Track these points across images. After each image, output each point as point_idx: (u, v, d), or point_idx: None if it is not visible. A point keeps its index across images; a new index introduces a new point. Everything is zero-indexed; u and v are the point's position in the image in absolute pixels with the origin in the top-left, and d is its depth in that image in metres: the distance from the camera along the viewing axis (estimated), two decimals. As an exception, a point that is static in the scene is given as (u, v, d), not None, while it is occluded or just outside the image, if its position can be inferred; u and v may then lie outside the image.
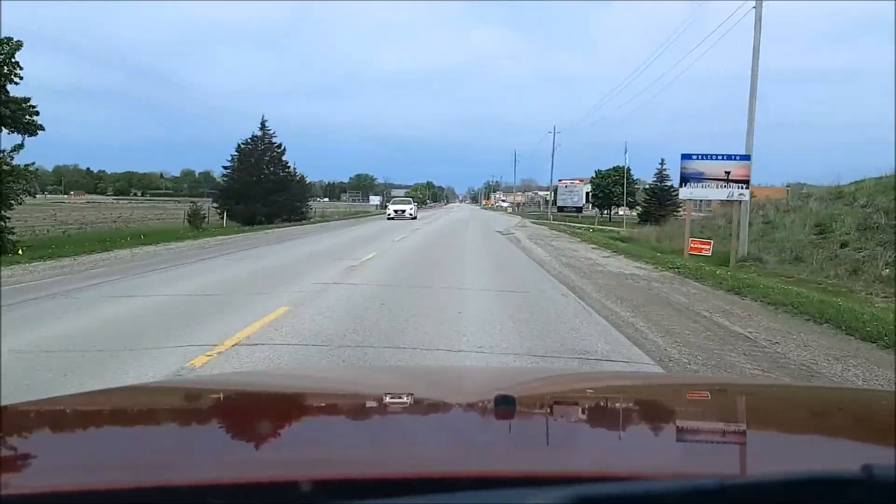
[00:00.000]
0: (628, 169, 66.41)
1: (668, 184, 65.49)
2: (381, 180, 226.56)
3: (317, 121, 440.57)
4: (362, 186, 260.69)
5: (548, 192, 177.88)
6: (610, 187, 68.14)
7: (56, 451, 1.24)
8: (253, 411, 1.66)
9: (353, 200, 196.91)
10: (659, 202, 63.59)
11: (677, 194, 68.37)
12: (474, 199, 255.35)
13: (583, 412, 1.68)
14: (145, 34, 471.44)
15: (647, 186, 66.13)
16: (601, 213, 71.63)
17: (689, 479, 0.81)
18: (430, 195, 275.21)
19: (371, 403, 1.77)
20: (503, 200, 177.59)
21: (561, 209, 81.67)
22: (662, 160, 65.40)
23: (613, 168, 69.11)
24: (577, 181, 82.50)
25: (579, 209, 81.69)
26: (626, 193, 65.65)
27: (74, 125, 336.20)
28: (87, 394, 2.55)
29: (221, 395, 1.84)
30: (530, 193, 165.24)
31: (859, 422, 1.60)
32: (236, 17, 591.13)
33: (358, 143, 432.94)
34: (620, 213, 68.99)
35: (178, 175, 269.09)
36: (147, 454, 1.19)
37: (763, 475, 0.85)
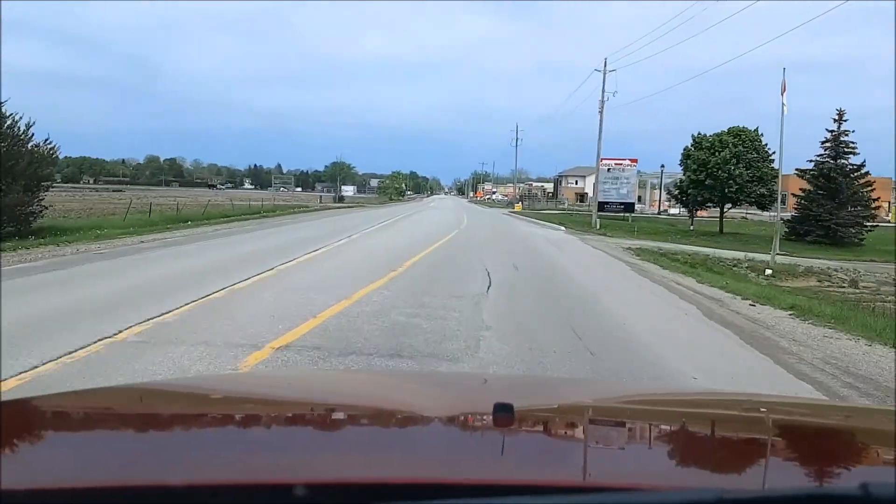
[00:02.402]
0: (754, 132, 32.35)
1: (855, 160, 31.76)
2: (360, 170, 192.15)
3: (298, 109, 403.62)
4: (339, 176, 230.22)
5: (543, 184, 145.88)
6: (728, 167, 32.66)
7: (53, 448, 1.20)
8: (250, 415, 1.59)
9: (326, 191, 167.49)
10: (833, 197, 30.31)
11: (870, 182, 28.68)
12: (460, 191, 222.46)
13: (582, 422, 1.60)
14: (123, 19, 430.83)
15: (814, 162, 31.08)
16: (690, 215, 37.69)
17: (688, 492, 0.78)
18: (411, 186, 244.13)
19: (369, 409, 1.69)
20: (494, 192, 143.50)
21: (602, 206, 48.28)
22: (840, 113, 31.70)
23: (731, 132, 33.71)
24: (629, 162, 48.80)
25: (629, 207, 48.08)
26: (760, 179, 31.71)
27: (58, 112, 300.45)
28: (85, 392, 2.54)
29: (220, 398, 1.75)
30: (522, 185, 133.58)
31: (858, 439, 1.53)
32: (216, 1, 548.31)
33: (340, 132, 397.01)
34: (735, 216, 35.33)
35: (141, 162, 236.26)
36: (145, 454, 1.15)
37: (762, 490, 0.82)
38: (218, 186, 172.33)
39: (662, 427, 1.62)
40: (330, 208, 57.22)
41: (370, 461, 1.07)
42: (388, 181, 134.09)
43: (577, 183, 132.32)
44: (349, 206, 64.04)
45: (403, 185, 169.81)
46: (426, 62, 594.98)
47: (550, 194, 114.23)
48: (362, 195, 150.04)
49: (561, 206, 71.22)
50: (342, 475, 0.96)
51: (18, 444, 1.16)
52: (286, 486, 0.85)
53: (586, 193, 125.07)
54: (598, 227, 36.44)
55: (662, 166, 63.65)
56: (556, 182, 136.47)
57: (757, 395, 4.00)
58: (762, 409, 1.94)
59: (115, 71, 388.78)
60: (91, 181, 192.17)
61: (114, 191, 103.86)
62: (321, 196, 78.76)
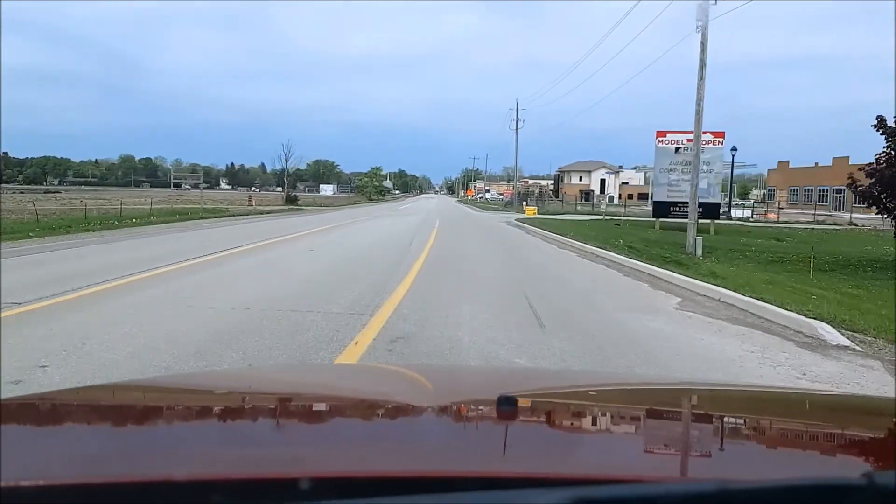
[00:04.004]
0: None
1: None
2: (347, 169, 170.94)
3: (283, 107, 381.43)
4: (321, 174, 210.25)
5: (539, 181, 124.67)
6: None
7: (54, 445, 1.14)
8: (252, 409, 1.54)
9: (308, 190, 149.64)
10: None
11: None
12: (450, 190, 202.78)
13: (584, 414, 1.56)
14: (106, 14, 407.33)
15: None
16: None
17: (690, 483, 0.78)
18: (399, 184, 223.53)
19: (372, 402, 1.63)
20: (487, 190, 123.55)
21: (663, 209, 28.51)
22: None
23: None
24: (711, 136, 28.59)
25: (711, 209, 28.02)
26: None
27: (42, 112, 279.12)
28: (85, 389, 2.45)
29: (221, 393, 1.70)
30: (517, 182, 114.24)
31: (861, 428, 1.49)
32: None
33: (326, 130, 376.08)
34: None
35: (115, 161, 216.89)
36: (146, 449, 1.11)
37: (764, 480, 0.80)
38: (183, 186, 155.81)
39: (665, 418, 1.56)
40: (258, 212, 37.83)
41: (374, 454, 1.04)
42: (366, 179, 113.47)
43: (581, 179, 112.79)
44: (290, 211, 44.34)
45: (388, 183, 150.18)
46: (413, 60, 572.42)
47: (551, 192, 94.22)
48: (343, 194, 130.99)
49: (593, 209, 51.36)
50: (346, 469, 0.93)
51: (20, 441, 1.12)
52: (289, 480, 0.82)
53: (592, 191, 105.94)
54: (697, 252, 16.93)
55: (734, 149, 43.69)
56: (557, 178, 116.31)
57: (756, 385, 3.92)
58: (762, 399, 1.90)
59: (94, 68, 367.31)
60: (56, 182, 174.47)
61: (46, 192, 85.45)
62: (251, 195, 58.39)
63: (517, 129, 56.69)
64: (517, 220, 33.21)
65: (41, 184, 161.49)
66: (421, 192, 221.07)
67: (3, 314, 6.70)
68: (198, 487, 0.83)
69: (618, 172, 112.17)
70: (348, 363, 5.01)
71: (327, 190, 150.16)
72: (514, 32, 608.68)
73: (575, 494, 0.70)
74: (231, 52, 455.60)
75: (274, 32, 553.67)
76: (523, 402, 1.40)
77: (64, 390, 2.53)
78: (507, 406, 1.21)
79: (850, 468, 1.05)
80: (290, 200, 59.55)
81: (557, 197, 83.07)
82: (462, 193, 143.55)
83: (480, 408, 1.46)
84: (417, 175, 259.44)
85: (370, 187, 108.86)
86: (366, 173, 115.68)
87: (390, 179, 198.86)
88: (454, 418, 1.38)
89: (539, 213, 38.51)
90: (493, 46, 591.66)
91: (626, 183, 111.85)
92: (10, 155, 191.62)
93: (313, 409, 1.55)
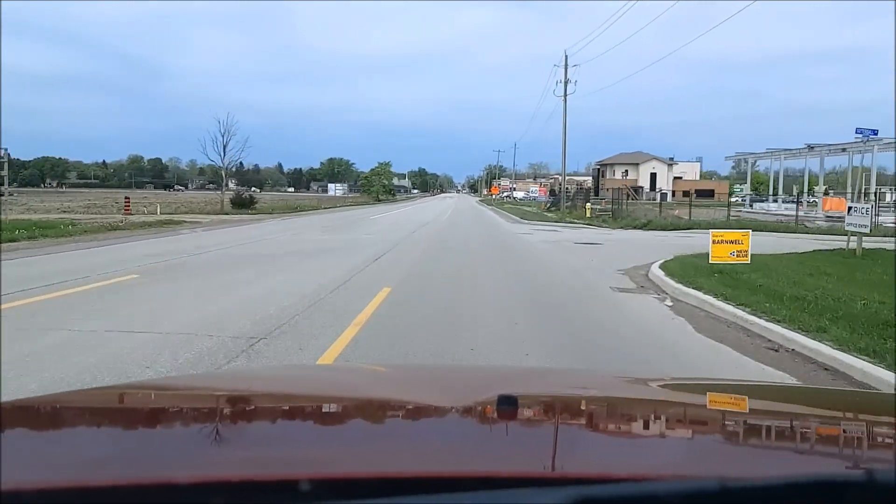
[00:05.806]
0: None
1: None
2: (365, 168, 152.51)
3: (299, 107, 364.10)
4: (336, 173, 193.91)
5: (573, 177, 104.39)
6: None
7: (55, 447, 1.12)
8: (254, 410, 1.52)
9: (321, 190, 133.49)
10: None
11: None
12: (473, 189, 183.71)
13: (585, 413, 1.54)
14: (122, 16, 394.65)
15: None
16: None
17: (691, 481, 0.76)
18: (418, 183, 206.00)
19: (372, 402, 1.60)
20: (513, 188, 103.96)
21: None
22: None
23: None
24: None
25: None
26: None
27: (57, 115, 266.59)
28: (85, 391, 2.38)
29: (223, 394, 1.68)
30: (543, 180, 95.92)
31: (861, 424, 1.46)
32: None
33: (342, 130, 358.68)
34: None
35: (124, 161, 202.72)
36: (147, 451, 1.08)
37: (764, 477, 0.78)
38: (176, 188, 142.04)
39: (665, 416, 1.52)
40: (108, 229, 19.79)
41: (375, 455, 1.02)
42: (372, 177, 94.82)
43: (626, 174, 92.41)
44: (183, 224, 26.03)
45: (406, 181, 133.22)
46: (430, 58, 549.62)
47: (589, 189, 74.49)
48: (355, 194, 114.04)
49: (728, 216, 31.93)
50: (347, 469, 0.91)
51: (20, 443, 1.10)
52: (291, 482, 0.81)
53: (641, 187, 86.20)
54: None
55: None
56: (597, 173, 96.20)
57: (754, 381, 3.82)
58: (762, 396, 1.87)
59: (109, 71, 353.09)
60: (55, 184, 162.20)
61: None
62: (127, 198, 39.72)
63: (565, 94, 37.24)
64: (689, 287, 11.85)
65: (39, 186, 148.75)
66: (441, 191, 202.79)
67: None
68: (199, 489, 0.81)
69: (671, 165, 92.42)
70: (346, 364, 5.08)
71: (334, 189, 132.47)
72: (534, 29, 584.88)
73: (577, 493, 0.68)
74: (246, 53, 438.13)
75: (291, 33, 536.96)
76: (523, 402, 1.37)
77: (63, 392, 2.50)
78: (507, 406, 1.20)
79: (851, 464, 1.02)
80: (240, 203, 40.95)
81: (598, 195, 64.95)
82: (485, 192, 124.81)
83: (480, 407, 1.41)
84: (438, 174, 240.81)
85: (377, 186, 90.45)
86: (371, 170, 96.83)
87: (409, 178, 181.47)
88: (455, 418, 1.35)
89: (628, 226, 18.37)
90: (509, 44, 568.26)
91: (680, 177, 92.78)
92: (13, 157, 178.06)
93: (313, 409, 1.51)
